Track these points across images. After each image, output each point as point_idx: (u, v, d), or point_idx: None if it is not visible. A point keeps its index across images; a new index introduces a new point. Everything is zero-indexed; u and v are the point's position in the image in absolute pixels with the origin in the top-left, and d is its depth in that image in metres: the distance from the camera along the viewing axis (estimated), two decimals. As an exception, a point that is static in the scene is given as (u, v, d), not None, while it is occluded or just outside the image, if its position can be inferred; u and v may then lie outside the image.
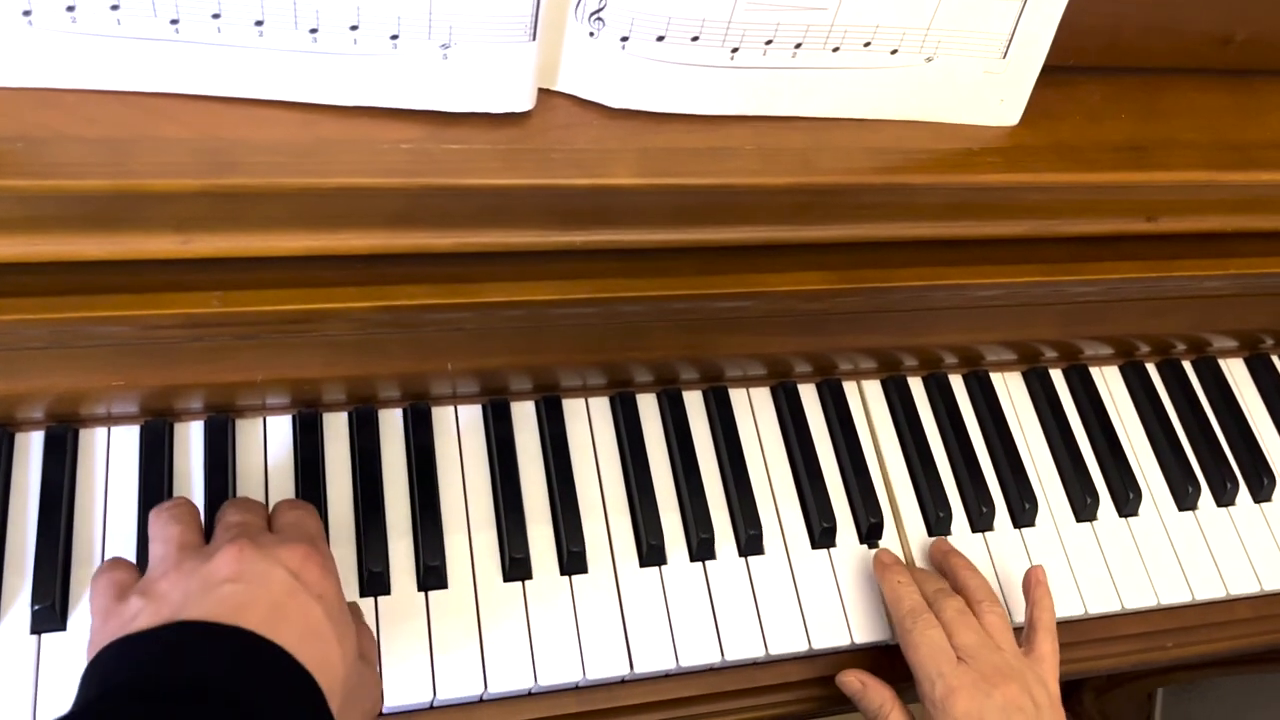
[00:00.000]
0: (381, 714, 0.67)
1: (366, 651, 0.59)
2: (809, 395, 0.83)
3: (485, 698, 0.68)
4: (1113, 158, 0.66)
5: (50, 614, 0.63)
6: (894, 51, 0.61)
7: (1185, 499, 0.85)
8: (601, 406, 0.79)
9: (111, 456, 0.69)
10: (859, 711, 0.73)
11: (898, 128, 0.64)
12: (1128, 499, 0.84)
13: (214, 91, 0.54)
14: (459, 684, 0.67)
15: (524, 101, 0.57)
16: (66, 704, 0.60)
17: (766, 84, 0.60)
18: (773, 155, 0.60)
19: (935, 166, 0.63)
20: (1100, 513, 0.84)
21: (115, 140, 0.52)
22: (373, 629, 0.67)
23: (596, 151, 0.57)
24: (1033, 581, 0.75)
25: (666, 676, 0.72)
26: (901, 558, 0.78)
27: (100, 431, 0.70)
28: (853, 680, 0.72)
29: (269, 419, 0.73)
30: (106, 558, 0.60)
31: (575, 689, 0.71)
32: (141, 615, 0.51)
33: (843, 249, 0.66)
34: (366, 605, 0.68)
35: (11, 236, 0.52)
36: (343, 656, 0.54)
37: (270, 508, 0.63)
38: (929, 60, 0.62)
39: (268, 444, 0.72)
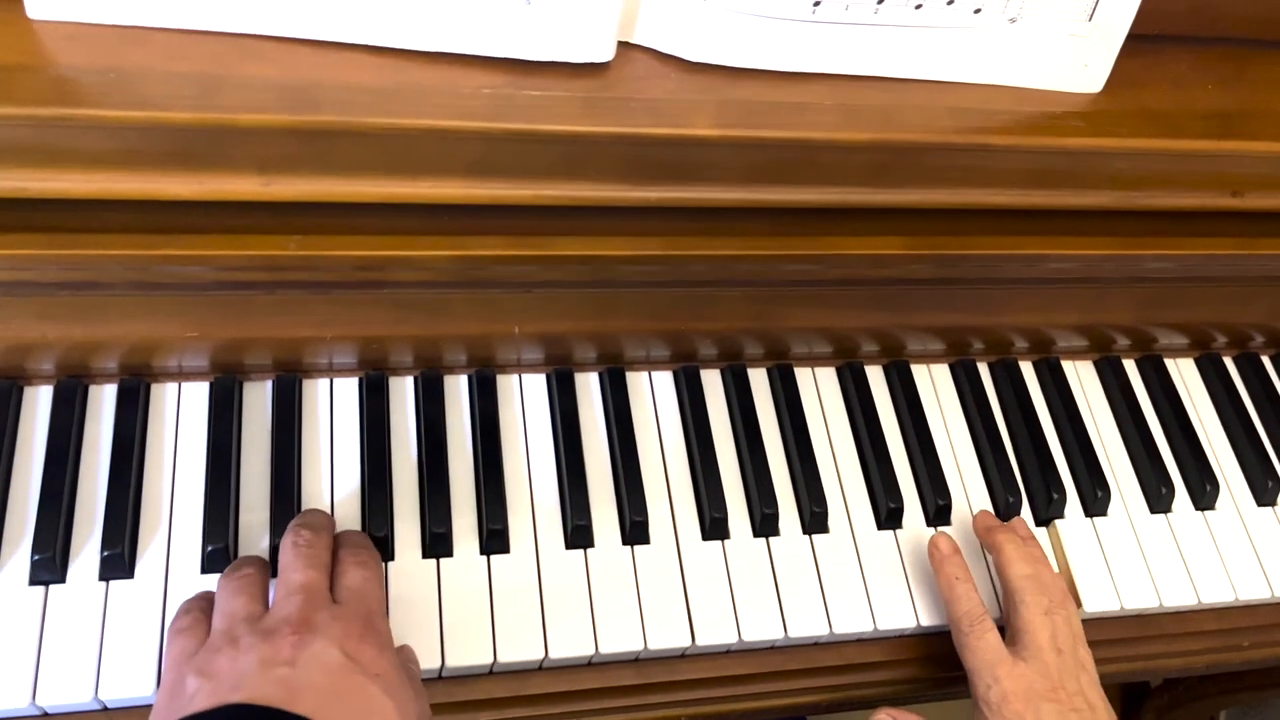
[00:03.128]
0: (440, 678, 0.66)
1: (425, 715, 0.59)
2: (876, 376, 0.82)
3: (545, 665, 0.68)
4: (1200, 125, 0.65)
5: (119, 561, 0.64)
6: (977, 11, 0.60)
7: (1264, 494, 0.83)
8: (665, 380, 0.78)
9: (182, 411, 0.70)
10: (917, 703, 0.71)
11: (979, 90, 0.63)
12: (1204, 492, 0.82)
13: (300, 34, 0.54)
14: (519, 649, 0.66)
15: (605, 52, 0.57)
16: (131, 649, 0.61)
17: (847, 40, 0.59)
18: (852, 112, 0.59)
19: (1017, 129, 0.62)
20: (1175, 505, 0.81)
21: (203, 76, 0.52)
22: (434, 591, 0.67)
23: (674, 102, 0.57)
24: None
25: (727, 652, 0.71)
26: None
27: (171, 386, 0.71)
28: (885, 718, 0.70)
29: (336, 380, 0.73)
30: (188, 603, 0.60)
31: (635, 661, 0.70)
32: (199, 695, 0.51)
33: (918, 214, 0.65)
34: (428, 566, 0.68)
35: (99, 171, 0.53)
36: None
37: (336, 538, 0.63)
38: (1012, 21, 0.61)
39: (334, 405, 0.72)
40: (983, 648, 0.66)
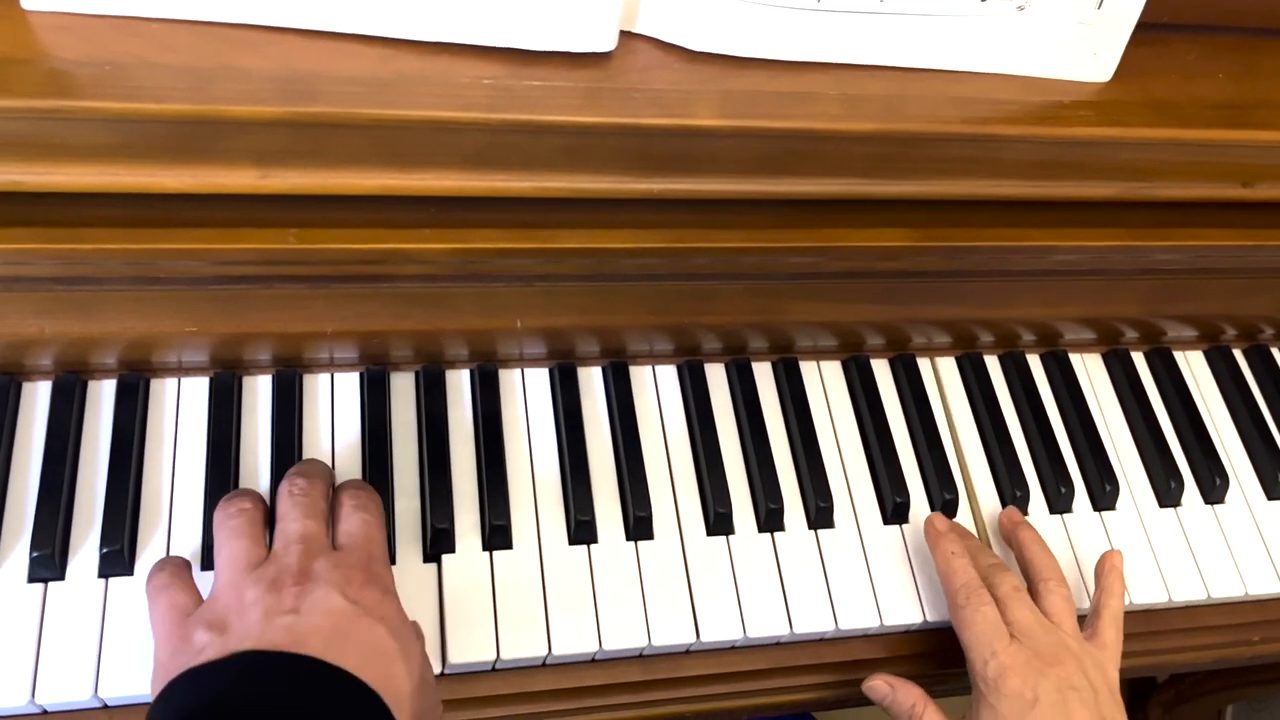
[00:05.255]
0: (443, 675, 0.66)
1: (426, 675, 0.59)
2: (882, 370, 0.81)
3: (549, 662, 0.67)
4: (1210, 115, 0.64)
5: (119, 558, 0.63)
6: (984, -2, 0.59)
7: (1275, 488, 0.82)
8: (669, 374, 0.78)
9: (181, 407, 0.69)
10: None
11: (985, 80, 0.62)
12: (1214, 486, 0.81)
13: (294, 24, 0.54)
14: (522, 646, 0.66)
15: (607, 41, 0.56)
16: (130, 647, 0.61)
17: (852, 29, 0.59)
18: (857, 102, 0.59)
19: (1024, 119, 0.61)
20: (1185, 499, 0.81)
21: (197, 68, 0.52)
22: (435, 588, 0.67)
23: (677, 92, 0.56)
24: (1106, 568, 0.72)
25: (733, 648, 0.70)
26: (976, 536, 0.75)
27: (171, 382, 0.70)
28: (880, 684, 0.69)
29: (337, 375, 0.72)
30: (162, 560, 0.60)
31: (639, 657, 0.69)
32: (209, 648, 0.52)
33: (924, 206, 0.65)
34: (429, 566, 0.67)
35: (94, 164, 0.52)
36: (409, 674, 0.54)
37: (336, 488, 0.63)
38: (1020, 9, 0.60)
39: (335, 400, 0.72)
40: (980, 620, 0.65)
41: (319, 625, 0.52)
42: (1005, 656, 0.63)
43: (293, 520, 0.59)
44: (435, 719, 0.59)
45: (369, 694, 0.51)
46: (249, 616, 0.53)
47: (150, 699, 0.59)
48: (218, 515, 0.59)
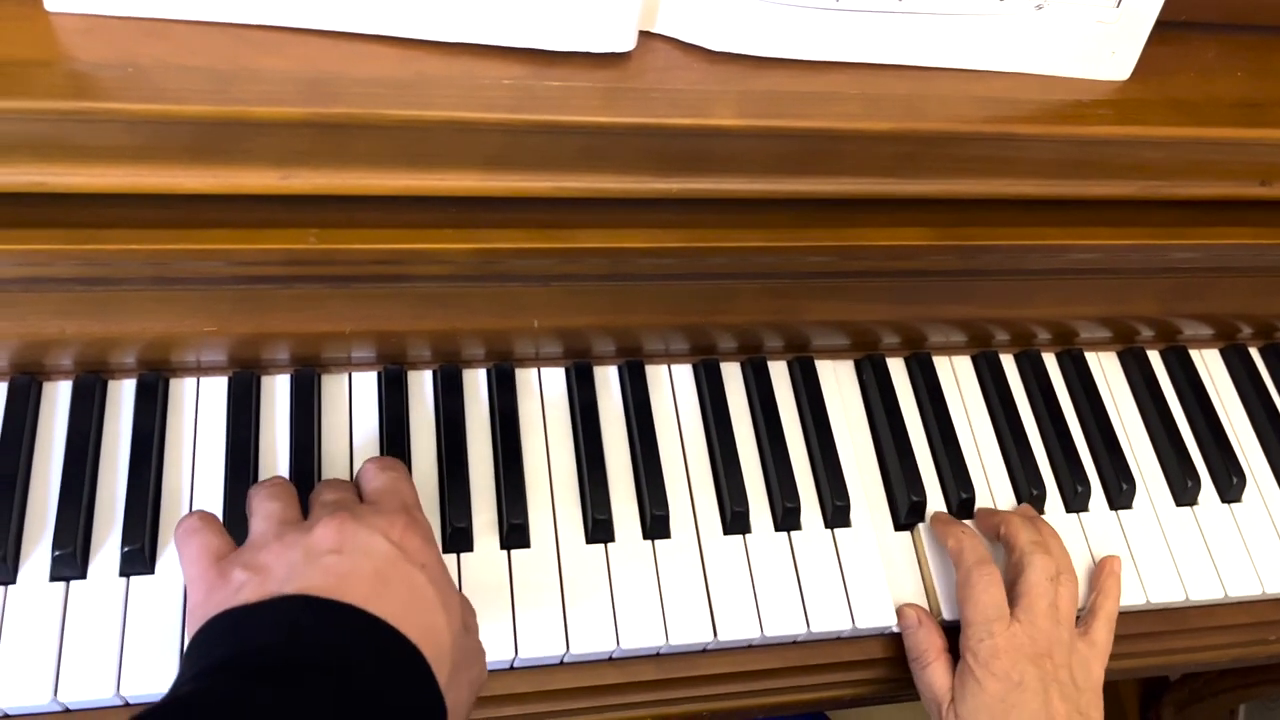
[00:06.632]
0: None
1: (469, 622, 0.59)
2: (897, 369, 0.81)
3: (566, 660, 0.67)
4: (1228, 114, 0.63)
5: (140, 557, 0.64)
6: (1003, -3, 0.59)
7: (1292, 486, 0.82)
8: (685, 373, 0.78)
9: (200, 406, 0.70)
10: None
11: (1004, 79, 0.62)
12: (1231, 484, 0.81)
13: (316, 25, 0.54)
14: (541, 644, 0.66)
15: (626, 41, 0.56)
16: (152, 645, 0.61)
17: (871, 28, 0.59)
18: (876, 101, 0.59)
19: (1043, 117, 0.61)
20: (1201, 497, 0.80)
21: (219, 70, 0.52)
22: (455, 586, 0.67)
23: (697, 93, 0.56)
24: (1106, 570, 0.74)
25: (749, 647, 0.71)
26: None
27: (190, 381, 0.70)
28: (911, 614, 0.70)
29: (355, 374, 0.73)
30: (191, 511, 0.59)
31: (656, 655, 0.69)
32: (246, 588, 0.51)
33: (941, 205, 0.65)
34: (449, 561, 0.67)
35: (116, 166, 0.52)
36: (449, 624, 0.54)
37: (357, 469, 0.63)
38: (1039, 8, 0.60)
39: (353, 399, 0.72)
40: (986, 599, 0.67)
41: (360, 567, 0.51)
42: (1001, 639, 0.65)
43: (326, 491, 0.59)
44: (478, 669, 0.59)
45: (411, 650, 0.50)
46: (289, 555, 0.52)
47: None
48: (252, 490, 0.59)
